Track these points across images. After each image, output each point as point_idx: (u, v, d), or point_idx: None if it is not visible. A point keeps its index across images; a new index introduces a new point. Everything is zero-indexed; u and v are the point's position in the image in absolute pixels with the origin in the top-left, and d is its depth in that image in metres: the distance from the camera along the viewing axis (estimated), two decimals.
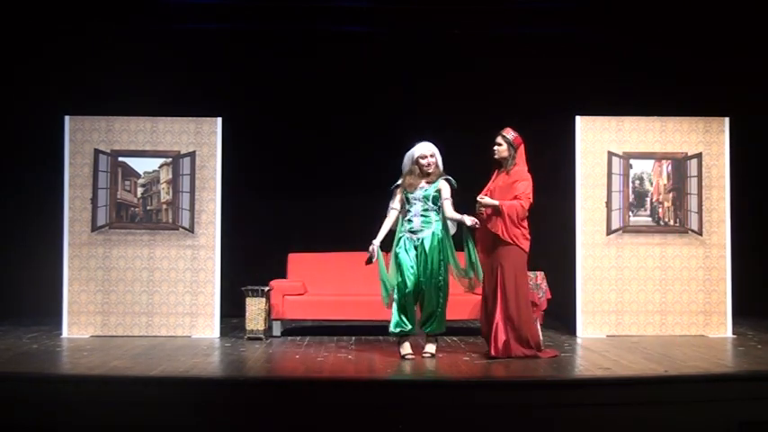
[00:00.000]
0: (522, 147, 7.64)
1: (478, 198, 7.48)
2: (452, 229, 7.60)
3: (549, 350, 7.73)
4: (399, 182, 7.65)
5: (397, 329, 7.54)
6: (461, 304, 8.59)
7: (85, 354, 7.70)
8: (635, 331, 8.99)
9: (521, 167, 7.60)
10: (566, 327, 9.42)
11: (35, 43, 10.55)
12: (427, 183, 7.58)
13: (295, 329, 9.45)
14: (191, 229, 9.00)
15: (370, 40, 10.73)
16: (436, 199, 7.55)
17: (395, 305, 7.54)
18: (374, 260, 7.52)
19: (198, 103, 9.79)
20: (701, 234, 9.06)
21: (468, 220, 7.34)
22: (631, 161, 9.08)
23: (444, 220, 7.55)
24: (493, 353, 7.40)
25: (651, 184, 9.10)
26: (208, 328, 8.95)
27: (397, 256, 7.53)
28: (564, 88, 10.30)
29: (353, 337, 8.85)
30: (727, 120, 9.17)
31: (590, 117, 9.15)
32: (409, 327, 7.54)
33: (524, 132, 9.60)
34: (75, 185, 8.99)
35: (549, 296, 8.83)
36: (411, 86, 10.71)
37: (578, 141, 9.11)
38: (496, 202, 7.43)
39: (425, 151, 7.61)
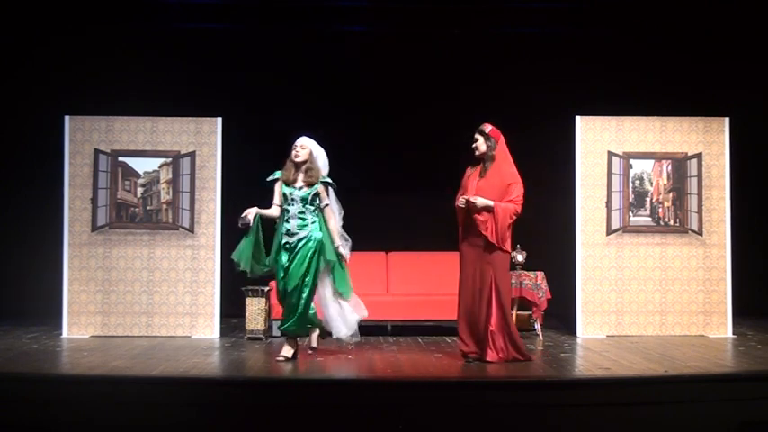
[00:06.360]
0: (501, 140, 7.38)
1: (471, 200, 7.19)
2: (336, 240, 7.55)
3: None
4: (277, 175, 7.53)
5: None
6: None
7: (85, 354, 7.70)
8: (635, 331, 8.99)
9: (512, 168, 7.37)
10: (566, 327, 9.43)
11: (35, 43, 10.55)
12: (307, 183, 7.45)
13: None
14: (191, 229, 9.00)
15: (371, 40, 10.73)
16: (314, 201, 7.45)
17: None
18: (250, 224, 7.31)
19: (198, 103, 9.79)
20: (701, 234, 9.06)
21: (343, 254, 7.44)
22: (631, 161, 9.09)
23: (322, 222, 7.47)
24: (490, 358, 7.16)
25: (651, 184, 9.10)
26: (208, 328, 8.95)
27: (276, 260, 7.45)
28: (564, 88, 10.30)
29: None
30: (727, 120, 9.17)
31: (590, 117, 9.15)
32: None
33: (524, 132, 9.63)
34: (75, 185, 8.99)
35: (549, 296, 8.84)
36: (410, 86, 10.70)
37: (578, 141, 9.11)
38: (490, 203, 7.19)
39: (297, 142, 7.55)
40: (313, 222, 7.44)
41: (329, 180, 7.55)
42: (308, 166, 7.47)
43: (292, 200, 7.43)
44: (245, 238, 7.42)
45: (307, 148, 7.52)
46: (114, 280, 8.97)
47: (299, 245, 7.39)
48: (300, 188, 7.44)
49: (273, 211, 7.50)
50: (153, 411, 6.11)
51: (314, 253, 7.39)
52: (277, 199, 7.52)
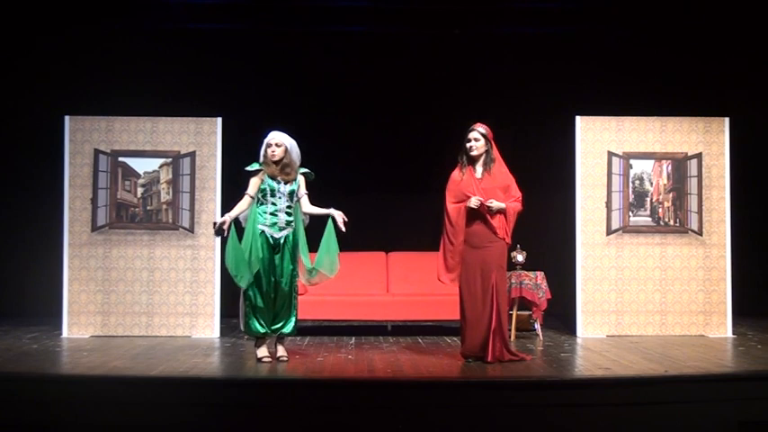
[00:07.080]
0: (493, 140, 7.39)
1: (487, 203, 7.18)
2: (306, 222, 7.51)
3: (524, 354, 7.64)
4: (256, 167, 7.39)
5: (261, 332, 7.34)
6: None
7: (85, 354, 7.70)
8: (635, 331, 8.99)
9: (504, 167, 7.38)
10: (566, 327, 9.43)
11: (35, 43, 10.55)
12: (287, 177, 7.35)
13: None
14: (191, 229, 9.00)
15: (371, 40, 10.73)
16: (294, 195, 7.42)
17: (248, 308, 7.34)
18: (225, 233, 7.20)
19: (198, 103, 9.79)
20: (701, 234, 9.06)
21: (338, 216, 7.28)
22: (631, 161, 9.09)
23: (298, 214, 7.43)
24: (490, 359, 7.14)
25: (651, 184, 9.10)
26: (208, 328, 8.96)
27: (251, 251, 7.25)
28: (564, 88, 10.31)
29: (353, 338, 8.85)
30: (727, 120, 9.17)
31: (590, 117, 9.15)
32: (266, 330, 7.35)
33: (524, 132, 9.64)
34: (75, 185, 8.99)
35: (549, 296, 8.83)
36: (410, 86, 10.70)
37: (578, 141, 9.11)
38: (503, 205, 7.22)
39: (270, 140, 7.40)
40: (296, 217, 7.41)
41: (307, 170, 7.48)
42: (284, 162, 7.38)
43: (280, 194, 7.35)
44: (231, 253, 7.25)
45: (282, 144, 7.38)
46: (114, 280, 8.97)
47: (288, 242, 7.33)
48: (286, 183, 7.36)
49: (244, 204, 7.39)
50: (153, 411, 6.11)
51: (296, 248, 7.38)
52: (251, 190, 7.37)
